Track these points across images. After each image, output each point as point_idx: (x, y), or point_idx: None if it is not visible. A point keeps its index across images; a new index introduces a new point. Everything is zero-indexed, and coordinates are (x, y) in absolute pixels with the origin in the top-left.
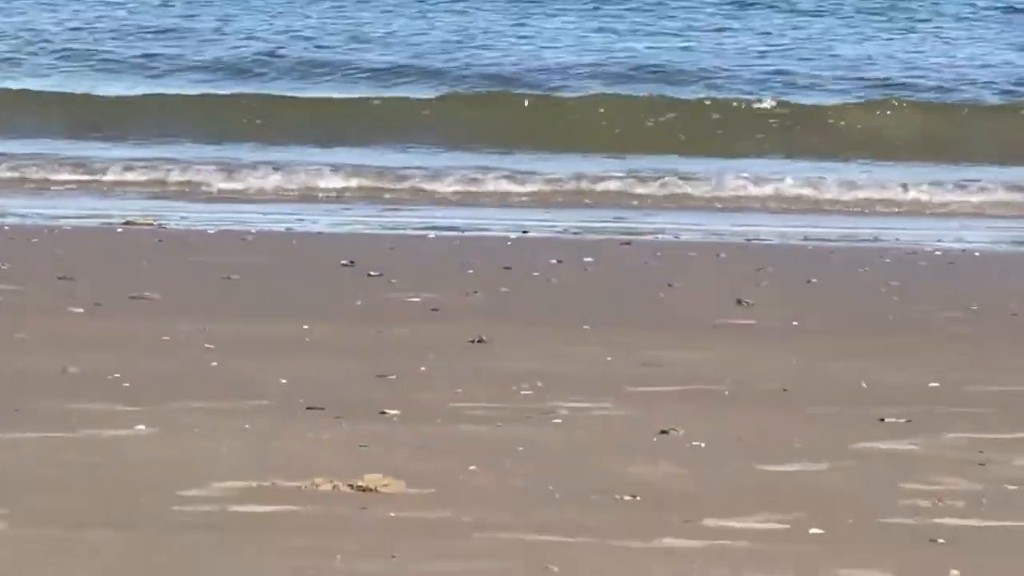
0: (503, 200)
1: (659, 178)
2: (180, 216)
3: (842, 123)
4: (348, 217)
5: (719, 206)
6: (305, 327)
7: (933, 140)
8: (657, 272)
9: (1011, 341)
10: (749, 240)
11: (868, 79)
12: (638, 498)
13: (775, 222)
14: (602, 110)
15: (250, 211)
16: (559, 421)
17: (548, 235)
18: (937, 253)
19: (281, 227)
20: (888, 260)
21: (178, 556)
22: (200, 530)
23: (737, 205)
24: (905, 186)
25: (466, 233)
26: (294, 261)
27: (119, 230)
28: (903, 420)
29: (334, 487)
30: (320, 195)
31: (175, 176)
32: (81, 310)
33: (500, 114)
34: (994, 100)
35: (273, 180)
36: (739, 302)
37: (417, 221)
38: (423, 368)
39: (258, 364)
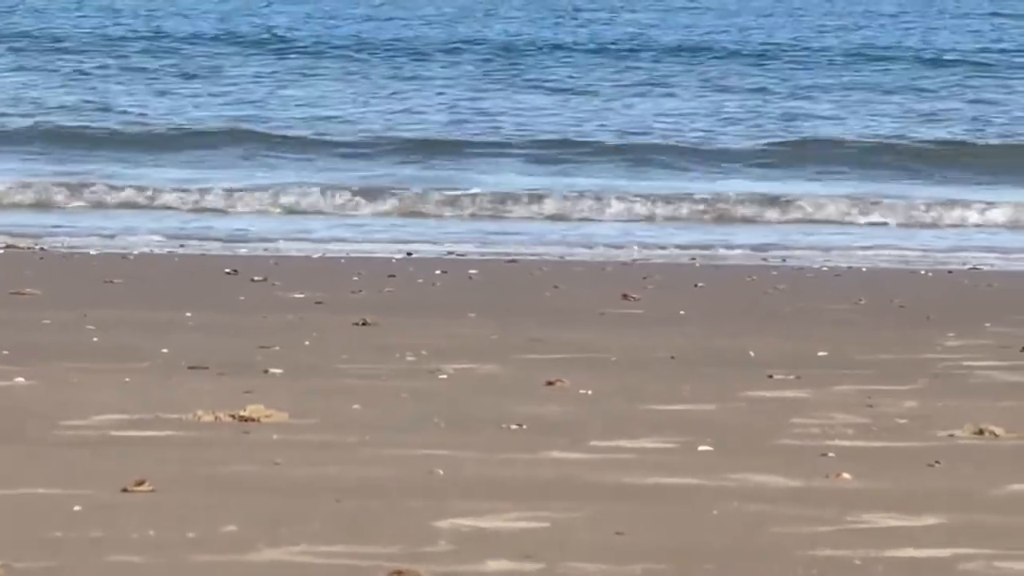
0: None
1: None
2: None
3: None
4: (232, 237)
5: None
6: (188, 314)
7: None
8: (542, 280)
9: (898, 326)
10: (635, 260)
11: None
12: (524, 427)
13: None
14: None
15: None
16: (444, 377)
17: (432, 256)
18: (824, 268)
19: (164, 251)
20: (776, 273)
21: (59, 464)
22: (80, 447)
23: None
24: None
25: (351, 253)
26: (177, 269)
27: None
28: (792, 377)
29: (216, 418)
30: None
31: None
32: None
33: None
34: None
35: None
36: (625, 297)
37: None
38: (307, 343)
39: (139, 339)
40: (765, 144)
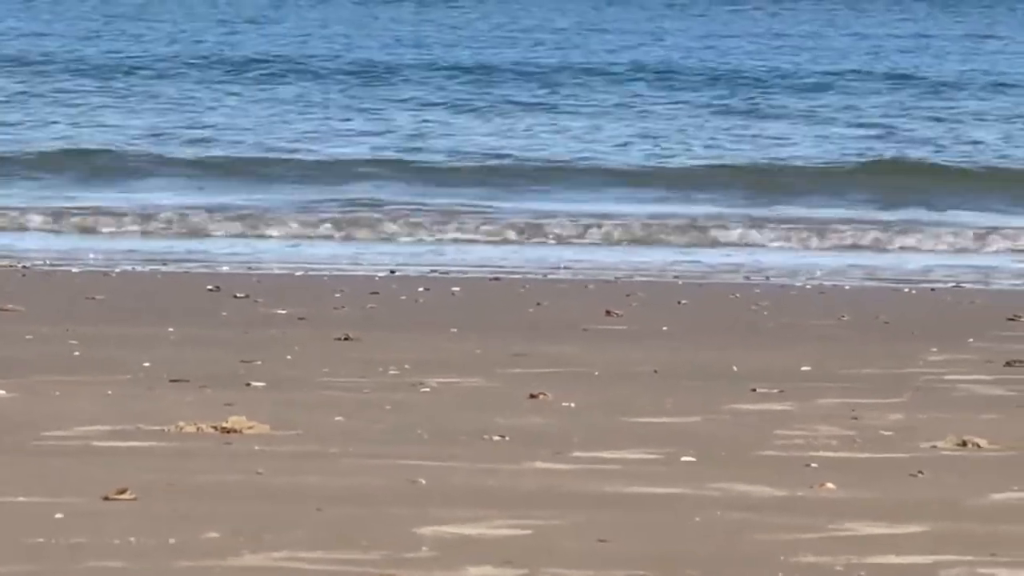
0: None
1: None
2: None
3: None
4: (214, 255)
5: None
6: (170, 329)
7: None
8: (525, 297)
9: (881, 341)
10: (618, 279)
11: None
12: (507, 438)
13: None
14: None
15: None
16: (427, 390)
17: (415, 274)
18: (808, 286)
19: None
20: (759, 290)
21: (40, 473)
22: (61, 456)
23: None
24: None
25: (334, 271)
26: (159, 286)
27: None
28: (776, 390)
29: (198, 429)
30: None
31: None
32: None
33: None
34: None
35: None
36: (608, 313)
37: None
38: (289, 357)
39: (121, 353)
40: None
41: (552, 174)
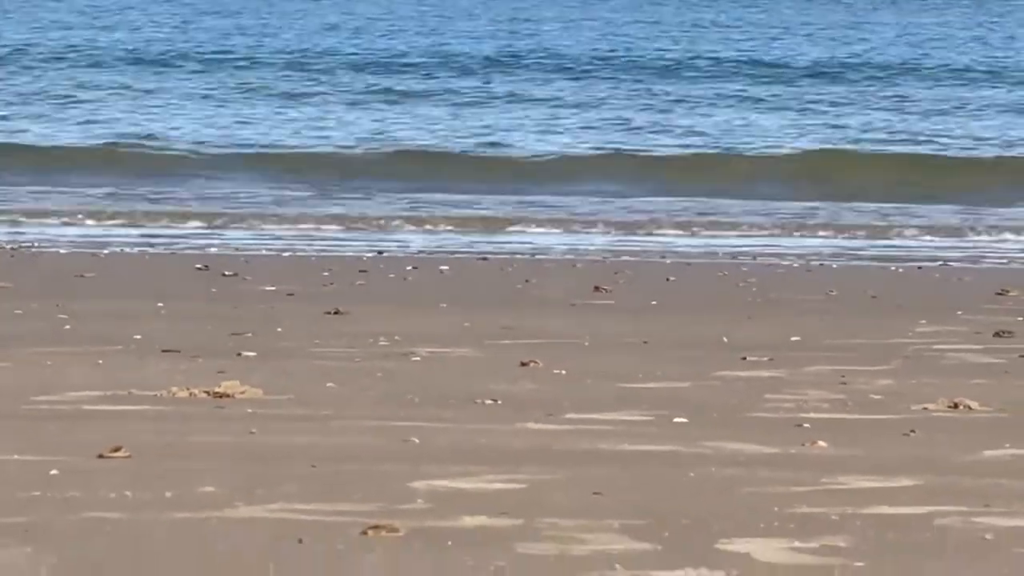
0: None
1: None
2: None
3: None
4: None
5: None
6: (159, 305)
7: None
8: (513, 275)
9: (870, 314)
10: (606, 258)
11: None
12: (499, 402)
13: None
14: None
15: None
16: (418, 359)
17: (403, 255)
18: (795, 265)
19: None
20: (746, 269)
21: (33, 435)
22: (54, 420)
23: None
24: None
25: (322, 252)
26: (148, 265)
27: None
28: (765, 358)
29: (191, 394)
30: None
31: None
32: None
33: None
34: None
35: None
36: (597, 289)
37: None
38: (279, 329)
39: (111, 327)
40: None
41: None
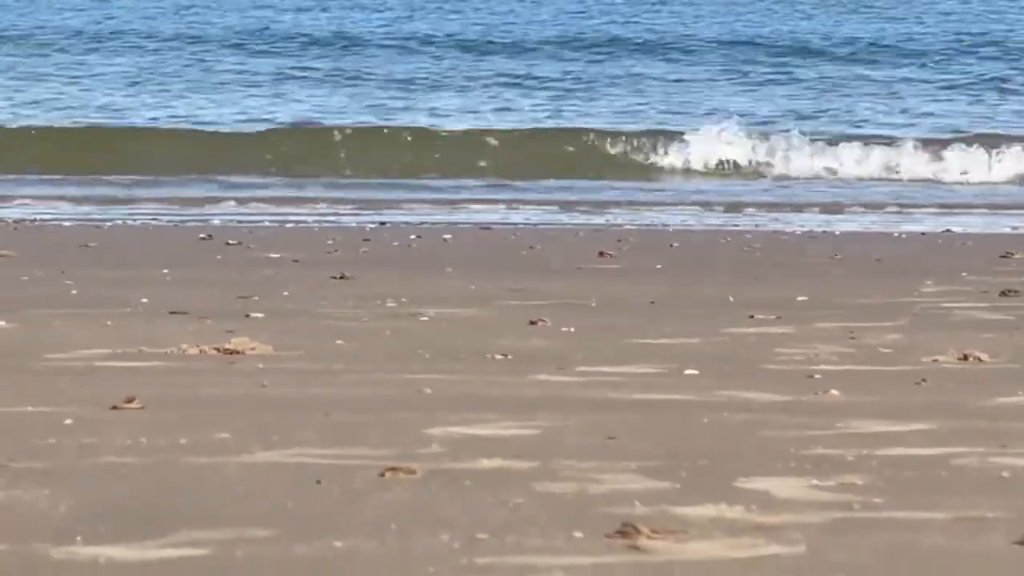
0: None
1: None
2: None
3: None
4: (199, 212)
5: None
6: (165, 271)
7: None
8: (517, 242)
9: (876, 276)
10: (609, 224)
11: None
12: (510, 357)
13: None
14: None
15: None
16: (426, 319)
17: (405, 226)
18: (798, 232)
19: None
20: (749, 236)
21: (45, 389)
22: (66, 375)
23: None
24: None
25: (325, 223)
26: (152, 236)
27: None
28: (773, 316)
29: (201, 351)
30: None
31: None
32: None
33: None
34: None
35: None
36: (602, 254)
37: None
38: (286, 293)
39: (118, 291)
40: None
41: None
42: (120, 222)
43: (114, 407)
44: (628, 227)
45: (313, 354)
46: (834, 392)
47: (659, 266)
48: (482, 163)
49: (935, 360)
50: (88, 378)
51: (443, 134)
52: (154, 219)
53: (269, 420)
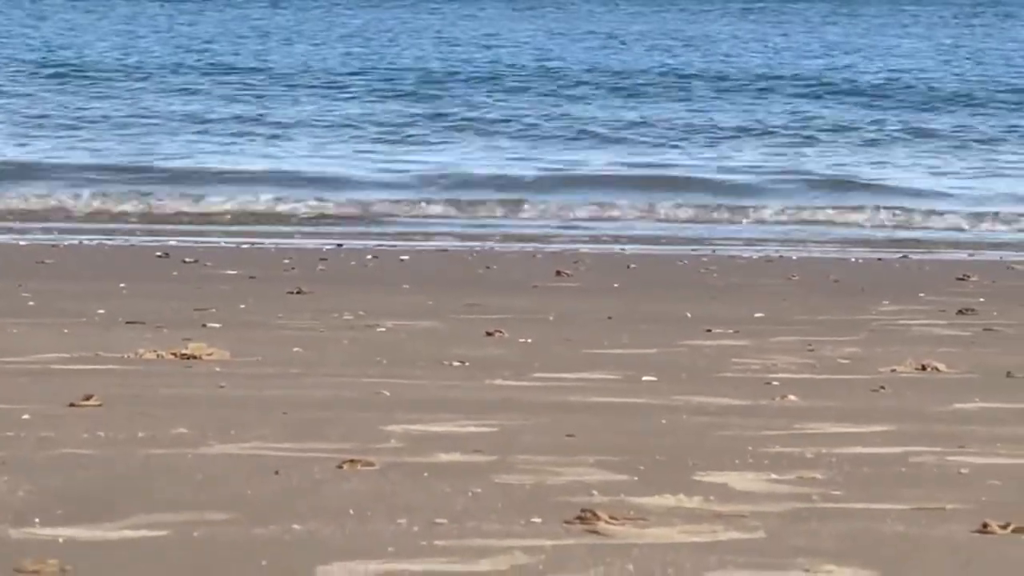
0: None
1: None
2: None
3: None
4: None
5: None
6: (122, 285)
7: None
8: (474, 263)
9: (834, 295)
10: (565, 249)
11: None
12: (467, 364)
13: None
14: None
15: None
16: (383, 330)
17: (362, 247)
18: (755, 256)
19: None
20: (706, 259)
21: (2, 388)
22: (23, 376)
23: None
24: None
25: (281, 244)
26: (108, 254)
27: None
28: (731, 331)
29: (158, 355)
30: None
31: None
32: None
33: None
34: None
35: None
36: (559, 273)
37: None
38: (243, 306)
39: (75, 303)
40: None
41: None
42: (76, 241)
43: (72, 404)
44: (584, 250)
45: (271, 360)
46: (792, 397)
47: (616, 285)
48: None
49: (893, 370)
50: (46, 379)
51: None
52: (108, 238)
53: (227, 416)
